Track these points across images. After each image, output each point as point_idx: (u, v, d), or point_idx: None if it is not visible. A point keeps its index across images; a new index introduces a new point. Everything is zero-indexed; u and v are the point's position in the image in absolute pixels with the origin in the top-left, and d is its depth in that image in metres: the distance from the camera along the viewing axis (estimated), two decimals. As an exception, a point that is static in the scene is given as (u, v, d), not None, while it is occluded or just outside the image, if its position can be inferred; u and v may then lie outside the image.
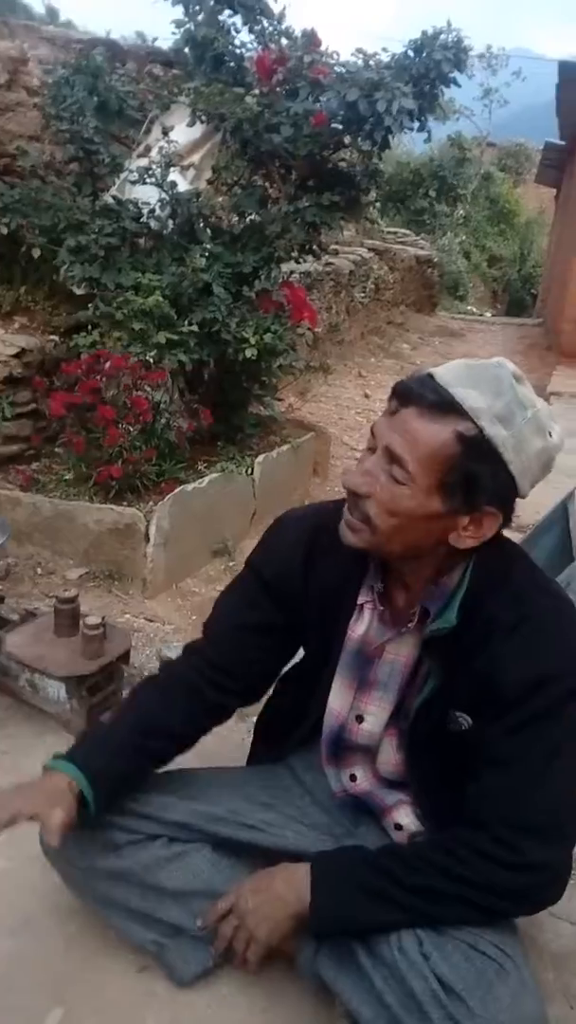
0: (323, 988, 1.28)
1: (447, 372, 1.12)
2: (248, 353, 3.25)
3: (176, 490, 2.97)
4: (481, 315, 14.41)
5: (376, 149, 3.36)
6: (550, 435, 1.14)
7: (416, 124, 3.22)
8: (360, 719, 1.33)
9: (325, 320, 6.57)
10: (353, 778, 1.40)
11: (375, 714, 1.32)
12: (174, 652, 1.54)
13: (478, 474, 1.09)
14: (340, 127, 3.29)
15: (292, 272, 4.66)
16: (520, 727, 1.14)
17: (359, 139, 3.28)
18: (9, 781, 1.87)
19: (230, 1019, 1.37)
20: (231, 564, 3.31)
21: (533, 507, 3.19)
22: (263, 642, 1.39)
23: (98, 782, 1.27)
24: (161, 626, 2.67)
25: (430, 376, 1.12)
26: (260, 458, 3.60)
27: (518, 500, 1.16)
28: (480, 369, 1.12)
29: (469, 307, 15.51)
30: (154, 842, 1.36)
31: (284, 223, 3.38)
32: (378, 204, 12.09)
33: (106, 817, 1.35)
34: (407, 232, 12.30)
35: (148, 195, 3.58)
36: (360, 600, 1.29)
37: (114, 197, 3.60)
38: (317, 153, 3.41)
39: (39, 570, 2.88)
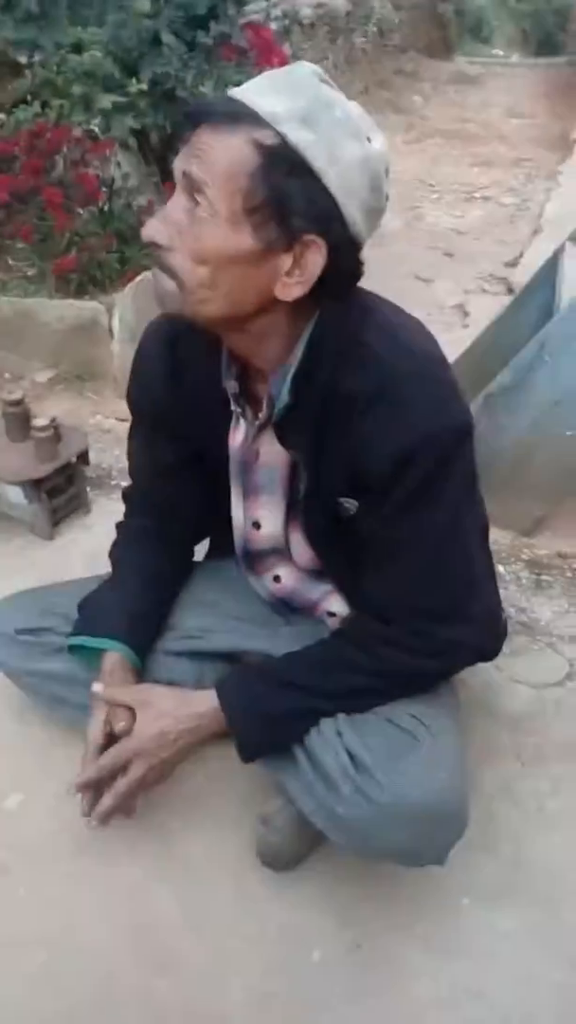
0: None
1: (242, 86, 0.95)
2: (209, 113, 2.89)
3: (137, 279, 2.76)
4: (507, 58, 12.85)
5: None
6: (369, 140, 0.94)
7: None
8: (257, 525, 1.26)
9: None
10: (277, 579, 1.35)
11: (268, 517, 1.24)
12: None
13: (288, 191, 0.90)
14: None
15: (269, 15, 4.10)
16: (401, 510, 1.05)
17: None
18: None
19: (184, 788, 1.41)
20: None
21: (530, 268, 2.96)
22: (181, 477, 1.30)
23: (141, 653, 1.29)
24: (134, 424, 2.57)
25: (225, 95, 0.95)
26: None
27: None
28: (277, 75, 0.95)
29: (495, 50, 13.82)
30: None
31: (238, -53, 2.90)
32: None
33: (43, 622, 1.36)
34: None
35: None
36: (233, 406, 1.16)
37: None
38: None
39: (7, 375, 2.77)
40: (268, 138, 0.90)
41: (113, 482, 2.22)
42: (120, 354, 2.70)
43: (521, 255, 4.05)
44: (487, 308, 3.24)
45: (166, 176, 3.11)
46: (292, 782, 1.18)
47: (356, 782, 1.07)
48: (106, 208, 2.79)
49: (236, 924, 1.26)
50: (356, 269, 1.00)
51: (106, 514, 2.00)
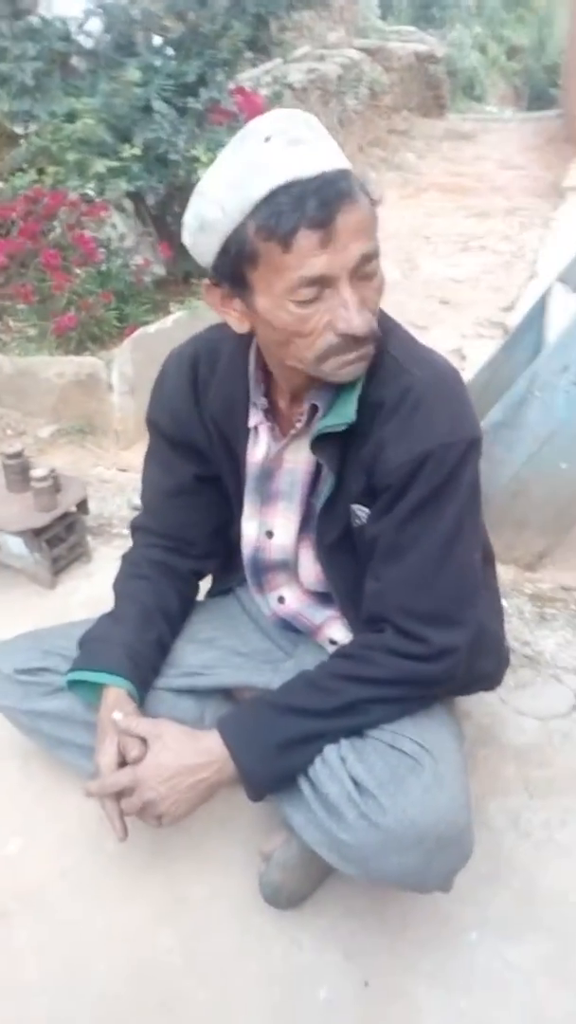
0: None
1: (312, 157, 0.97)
2: (201, 173, 2.99)
3: (136, 333, 2.82)
4: (500, 114, 13.17)
5: None
6: None
7: None
8: (270, 534, 1.28)
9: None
10: (282, 600, 1.36)
11: (283, 525, 1.27)
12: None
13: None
14: None
15: (259, 82, 4.26)
16: (408, 514, 1.08)
17: None
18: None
19: (190, 833, 1.40)
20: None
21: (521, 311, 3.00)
22: (195, 501, 1.34)
23: (142, 689, 1.29)
24: (134, 475, 2.60)
25: (320, 174, 0.95)
26: (235, 291, 3.39)
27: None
28: (312, 137, 0.99)
29: (489, 107, 14.18)
30: None
31: (224, 19, 3.03)
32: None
33: (43, 662, 1.36)
34: (411, 29, 11.14)
35: (77, 9, 3.25)
36: (252, 423, 1.21)
37: (40, 16, 3.28)
38: None
39: (9, 431, 2.82)
40: (361, 185, 0.98)
41: (114, 531, 2.24)
42: (120, 406, 2.75)
43: (517, 300, 4.11)
44: (484, 352, 3.28)
45: (162, 236, 3.20)
46: (296, 814, 1.17)
47: (360, 807, 1.06)
48: (104, 268, 2.87)
49: (240, 964, 1.23)
50: None
51: (107, 562, 2.02)
